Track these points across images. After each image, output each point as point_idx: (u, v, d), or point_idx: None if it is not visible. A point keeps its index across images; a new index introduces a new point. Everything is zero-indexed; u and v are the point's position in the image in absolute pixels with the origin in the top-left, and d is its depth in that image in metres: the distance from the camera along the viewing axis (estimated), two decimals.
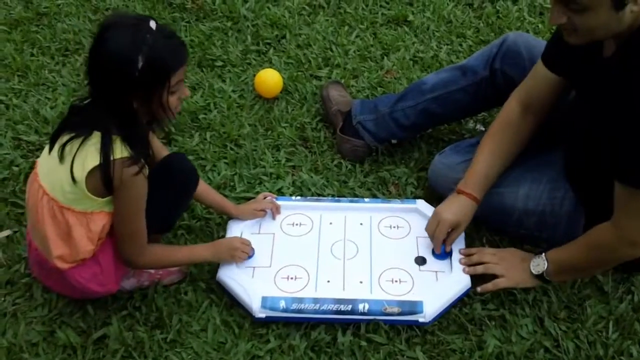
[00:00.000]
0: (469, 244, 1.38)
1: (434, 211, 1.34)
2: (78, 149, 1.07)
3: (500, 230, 1.41)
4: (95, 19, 2.15)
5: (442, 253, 1.33)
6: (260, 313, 1.23)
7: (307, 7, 2.18)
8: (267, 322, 1.25)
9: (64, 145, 1.08)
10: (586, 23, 1.02)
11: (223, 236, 1.39)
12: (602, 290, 1.31)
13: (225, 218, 1.44)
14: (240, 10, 2.14)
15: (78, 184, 1.08)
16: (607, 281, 1.32)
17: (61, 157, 1.09)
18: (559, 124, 1.33)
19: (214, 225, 1.45)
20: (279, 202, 1.46)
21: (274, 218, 1.43)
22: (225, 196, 1.50)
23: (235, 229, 1.38)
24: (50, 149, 1.12)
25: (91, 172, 1.07)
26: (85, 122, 1.08)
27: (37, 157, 1.62)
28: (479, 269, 1.29)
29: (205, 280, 1.33)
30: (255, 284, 1.27)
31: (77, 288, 1.18)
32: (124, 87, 1.04)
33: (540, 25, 2.09)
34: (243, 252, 1.30)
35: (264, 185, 1.56)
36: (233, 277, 1.28)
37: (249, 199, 1.50)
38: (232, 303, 1.29)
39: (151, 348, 1.22)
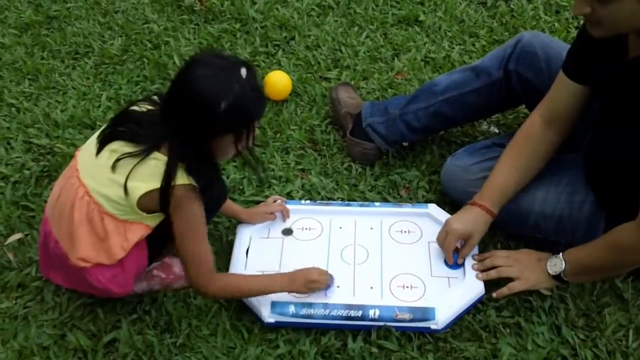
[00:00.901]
0: (483, 249, 1.37)
1: (445, 221, 1.33)
2: (136, 165, 1.08)
3: (517, 235, 1.39)
4: (104, 22, 2.17)
5: (455, 264, 1.32)
6: (269, 318, 1.23)
7: (316, 8, 2.18)
8: (277, 327, 1.25)
9: (120, 158, 1.08)
10: (610, 14, 1.01)
11: (232, 240, 1.39)
12: (621, 297, 1.29)
13: (234, 222, 1.45)
14: (249, 11, 2.15)
15: (129, 199, 1.09)
16: (627, 288, 1.30)
17: (114, 167, 1.09)
18: (579, 126, 1.31)
19: (222, 229, 1.46)
20: (288, 206, 1.46)
21: (284, 221, 1.43)
22: (234, 200, 1.50)
23: (245, 233, 1.38)
24: (99, 151, 1.12)
25: (148, 193, 1.08)
26: (148, 138, 1.09)
27: (48, 160, 1.65)
28: (492, 274, 1.28)
29: None
30: None
31: (94, 287, 1.19)
32: (201, 125, 1.07)
33: (556, 24, 2.07)
34: (321, 284, 1.25)
35: (273, 189, 1.56)
36: None
37: (258, 202, 1.50)
38: (241, 308, 1.29)
39: (161, 352, 1.22)
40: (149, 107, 1.15)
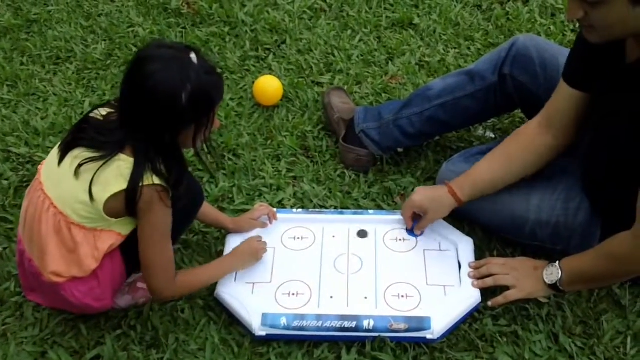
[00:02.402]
0: (479, 256, 1.40)
1: (416, 189, 1.42)
2: (99, 169, 1.09)
3: (513, 242, 1.42)
4: (87, 26, 2.19)
5: (412, 231, 1.42)
6: (260, 331, 1.24)
7: (308, 11, 2.21)
8: (268, 340, 1.26)
9: (82, 163, 1.10)
10: (602, 18, 1.04)
11: (222, 251, 1.41)
12: (619, 304, 1.32)
13: (224, 232, 1.46)
14: (238, 14, 2.18)
15: (95, 204, 1.10)
16: (625, 295, 1.33)
17: (77, 174, 1.10)
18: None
19: (211, 240, 1.48)
20: (280, 215, 1.48)
21: (270, 223, 1.46)
22: (224, 209, 1.52)
23: (234, 244, 1.40)
24: (61, 160, 1.14)
25: (114, 195, 1.09)
26: (110, 143, 1.10)
27: (28, 170, 1.66)
28: (488, 282, 1.31)
29: (202, 297, 1.34)
30: (255, 301, 1.29)
31: (71, 302, 1.20)
32: (164, 122, 1.08)
33: (552, 27, 2.11)
34: (263, 249, 1.37)
35: (264, 197, 1.58)
36: (232, 293, 1.30)
37: (248, 211, 1.51)
38: (231, 321, 1.30)
39: None
40: (109, 111, 1.16)
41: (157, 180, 1.09)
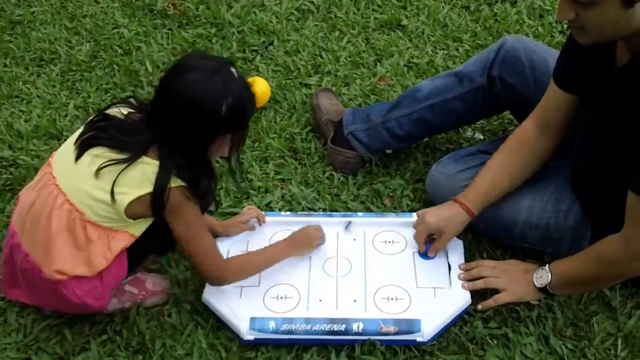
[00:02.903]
0: (469, 258, 1.40)
1: (420, 212, 1.40)
2: (123, 170, 1.09)
3: (503, 244, 1.43)
4: (71, 27, 2.18)
5: (426, 254, 1.39)
6: (248, 335, 1.24)
7: (295, 12, 2.22)
8: (256, 344, 1.26)
9: (104, 165, 1.09)
10: (594, 19, 1.05)
11: None
12: (609, 305, 1.33)
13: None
14: (225, 16, 2.18)
15: (116, 206, 1.11)
16: (615, 296, 1.34)
17: (98, 174, 1.10)
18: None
19: None
20: (268, 218, 1.47)
21: (260, 225, 1.45)
22: (211, 212, 1.52)
23: (222, 247, 1.39)
24: (78, 157, 1.13)
25: (138, 198, 1.10)
26: (134, 144, 1.11)
27: (11, 173, 1.64)
28: (479, 284, 1.31)
29: (190, 302, 1.34)
30: (243, 305, 1.29)
31: (71, 301, 1.18)
32: (199, 130, 1.10)
33: (540, 29, 2.13)
34: (320, 238, 1.39)
35: (252, 200, 1.58)
36: (219, 297, 1.29)
37: (235, 214, 1.51)
38: (218, 325, 1.30)
39: None
40: (129, 110, 1.17)
41: (182, 182, 1.11)
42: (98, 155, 1.11)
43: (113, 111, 1.16)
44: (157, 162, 1.10)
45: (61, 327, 1.29)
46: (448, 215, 1.35)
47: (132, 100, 1.20)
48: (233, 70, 1.12)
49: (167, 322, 1.30)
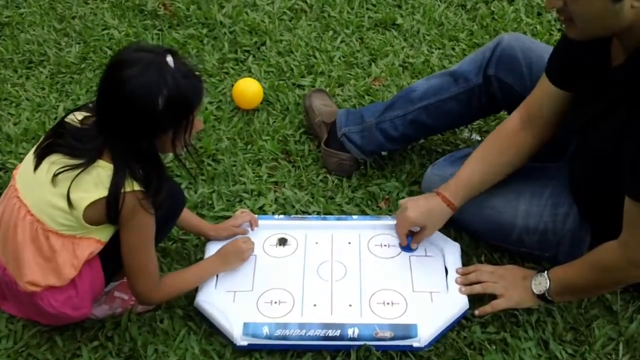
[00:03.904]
0: (467, 262, 1.40)
1: (403, 202, 1.40)
2: (78, 175, 1.09)
3: (501, 248, 1.43)
4: (61, 28, 2.17)
5: (408, 247, 1.40)
6: (242, 341, 1.24)
7: (288, 12, 2.22)
8: (250, 350, 1.26)
9: (59, 172, 1.09)
10: (582, 10, 1.05)
11: (201, 258, 1.41)
12: (610, 309, 1.33)
13: (204, 239, 1.46)
14: (217, 16, 2.18)
15: (74, 212, 1.10)
16: (616, 300, 1.34)
17: (54, 181, 1.10)
18: (564, 134, 1.35)
19: (190, 247, 1.47)
20: (261, 222, 1.47)
21: (252, 229, 1.45)
22: (203, 216, 1.52)
23: (214, 251, 1.39)
24: (37, 166, 1.13)
25: (93, 203, 1.10)
26: (87, 151, 1.10)
27: (0, 178, 1.64)
28: (476, 289, 1.31)
29: (182, 307, 1.34)
30: (236, 310, 1.29)
31: (48, 312, 1.19)
32: (141, 127, 1.09)
33: (538, 27, 2.14)
34: (250, 249, 1.38)
35: (245, 203, 1.58)
36: (212, 302, 1.29)
37: (228, 217, 1.51)
38: (211, 331, 1.30)
39: None
40: (86, 115, 1.16)
41: (137, 187, 1.10)
42: (55, 162, 1.11)
43: (69, 118, 1.16)
44: (111, 165, 1.09)
45: (52, 334, 1.29)
46: (429, 208, 1.36)
47: (90, 104, 1.19)
48: (169, 59, 1.08)
49: (159, 328, 1.30)
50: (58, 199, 1.10)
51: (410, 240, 1.40)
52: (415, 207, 1.37)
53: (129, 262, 1.18)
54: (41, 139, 1.18)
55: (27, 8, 2.26)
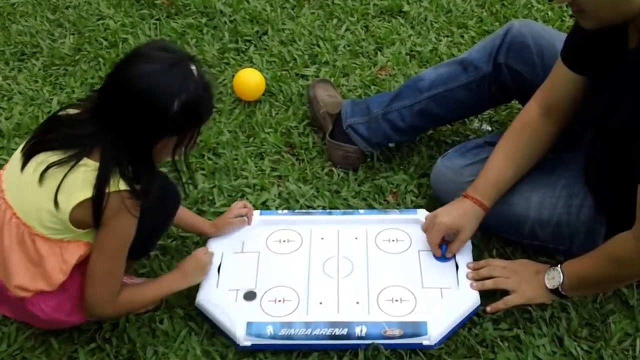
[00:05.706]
0: (478, 256, 1.40)
1: (429, 214, 1.38)
2: (67, 174, 1.07)
3: (513, 242, 1.42)
4: (54, 19, 2.17)
5: (443, 256, 1.37)
6: (245, 341, 1.24)
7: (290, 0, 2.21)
8: (254, 350, 1.26)
9: (46, 168, 1.08)
10: (591, 1, 1.05)
11: None
12: (627, 304, 1.33)
13: (205, 237, 1.45)
14: (216, 4, 2.18)
15: (61, 214, 1.09)
16: (633, 294, 1.33)
17: (41, 180, 1.09)
18: (578, 123, 1.34)
19: (191, 245, 1.47)
20: (264, 217, 1.47)
21: (249, 223, 1.45)
22: (204, 212, 1.52)
23: (216, 249, 1.39)
24: (23, 166, 1.12)
25: (80, 204, 1.08)
26: (81, 137, 1.09)
27: None
28: (488, 284, 1.31)
29: (183, 307, 1.34)
30: (239, 309, 1.28)
31: (39, 317, 1.18)
32: (147, 125, 1.08)
33: (549, 13, 2.14)
34: (210, 262, 1.34)
35: (247, 198, 1.57)
36: (214, 301, 1.29)
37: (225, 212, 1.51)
38: (213, 331, 1.30)
39: None
40: (77, 112, 1.14)
41: (123, 186, 1.08)
42: (42, 161, 1.09)
43: (60, 114, 1.15)
44: (98, 164, 1.08)
45: (47, 336, 1.29)
46: (461, 212, 1.34)
47: (80, 101, 1.19)
48: (193, 67, 1.09)
49: (159, 329, 1.30)
50: (45, 200, 1.08)
51: (444, 249, 1.37)
52: (447, 212, 1.35)
53: (96, 266, 1.14)
54: (29, 137, 1.16)
55: None
